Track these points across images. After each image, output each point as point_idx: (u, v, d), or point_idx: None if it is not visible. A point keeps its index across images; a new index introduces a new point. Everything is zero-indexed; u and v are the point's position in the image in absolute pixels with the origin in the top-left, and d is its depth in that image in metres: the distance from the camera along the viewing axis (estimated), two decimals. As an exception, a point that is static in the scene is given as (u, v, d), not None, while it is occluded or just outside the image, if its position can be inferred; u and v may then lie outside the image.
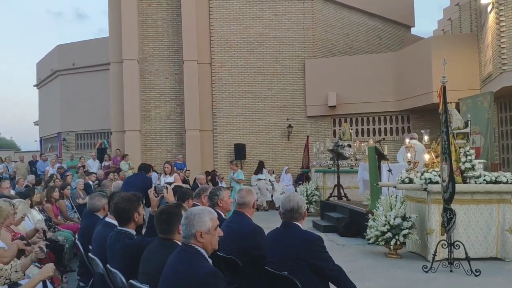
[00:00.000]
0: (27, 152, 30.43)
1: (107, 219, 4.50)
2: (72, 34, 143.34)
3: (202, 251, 2.86)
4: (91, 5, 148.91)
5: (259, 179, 15.97)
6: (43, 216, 7.41)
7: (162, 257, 3.08)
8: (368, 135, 17.69)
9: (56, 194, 8.53)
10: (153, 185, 5.52)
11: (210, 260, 2.89)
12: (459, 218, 6.97)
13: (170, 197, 4.57)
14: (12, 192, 9.07)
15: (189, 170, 15.63)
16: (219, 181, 16.03)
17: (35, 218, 6.96)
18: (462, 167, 7.33)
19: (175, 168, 15.56)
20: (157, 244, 3.37)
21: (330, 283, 3.63)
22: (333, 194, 12.12)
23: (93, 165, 16.43)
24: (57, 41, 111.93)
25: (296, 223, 3.68)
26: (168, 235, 3.31)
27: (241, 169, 17.10)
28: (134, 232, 3.91)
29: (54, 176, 13.28)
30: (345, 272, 3.60)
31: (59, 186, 9.56)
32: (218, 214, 4.54)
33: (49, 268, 3.53)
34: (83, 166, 16.06)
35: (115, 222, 4.10)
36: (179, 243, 3.19)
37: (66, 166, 16.79)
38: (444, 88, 6.90)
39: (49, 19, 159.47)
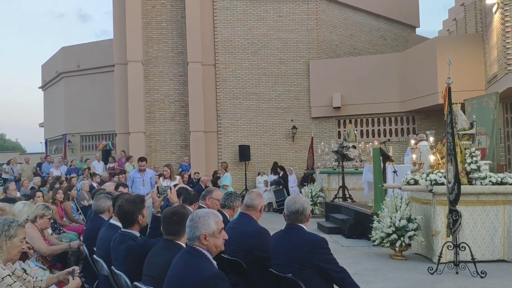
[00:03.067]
0: (33, 154, 30.59)
1: (111, 221, 4.51)
2: (76, 35, 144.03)
3: (207, 253, 2.87)
4: (94, 6, 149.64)
5: (275, 180, 15.91)
6: (48, 217, 7.41)
7: (166, 259, 3.08)
8: (373, 136, 17.65)
9: (59, 196, 8.54)
10: (155, 185, 5.53)
11: (215, 262, 2.89)
12: (465, 219, 6.93)
13: (174, 198, 4.57)
14: (18, 194, 9.11)
15: (198, 173, 15.65)
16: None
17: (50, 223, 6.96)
18: (468, 168, 7.29)
19: (180, 169, 15.64)
20: (161, 246, 3.36)
21: (334, 285, 3.62)
22: (338, 196, 12.08)
23: (98, 167, 16.47)
24: (61, 43, 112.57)
25: (301, 225, 3.67)
26: (177, 236, 3.31)
27: (245, 170, 17.13)
28: (138, 234, 3.92)
29: (61, 178, 13.34)
30: (349, 274, 3.59)
31: (65, 187, 9.57)
32: (225, 217, 4.55)
33: (78, 284, 3.52)
34: (88, 168, 16.11)
35: (120, 224, 4.10)
36: (183, 245, 3.19)
37: (77, 167, 16.88)
38: (449, 88, 6.87)
39: (52, 20, 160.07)
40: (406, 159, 10.78)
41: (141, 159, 10.53)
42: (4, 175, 16.46)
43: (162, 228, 3.37)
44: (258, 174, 17.13)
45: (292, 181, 16.62)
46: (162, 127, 17.53)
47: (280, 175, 16.41)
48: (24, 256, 4.65)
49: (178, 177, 10.73)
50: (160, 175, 12.53)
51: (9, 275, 3.09)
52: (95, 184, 11.78)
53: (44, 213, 5.31)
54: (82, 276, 5.56)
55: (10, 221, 3.32)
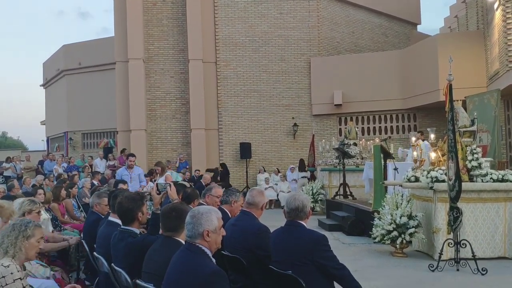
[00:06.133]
0: (35, 152, 30.62)
1: (110, 218, 4.51)
2: (76, 33, 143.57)
3: (206, 250, 2.88)
4: (93, 4, 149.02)
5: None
6: (49, 215, 7.43)
7: (166, 256, 3.08)
8: (374, 134, 17.62)
9: (63, 193, 8.54)
10: (155, 182, 5.54)
11: (214, 260, 2.90)
12: (466, 216, 6.93)
13: (174, 195, 4.58)
14: (20, 192, 9.11)
15: (198, 170, 15.71)
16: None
17: (41, 217, 6.96)
18: (469, 166, 7.28)
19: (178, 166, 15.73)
20: (160, 243, 3.37)
21: (335, 282, 3.62)
22: (338, 193, 12.09)
23: (100, 165, 16.50)
24: (61, 41, 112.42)
25: (301, 222, 3.68)
26: (176, 232, 3.31)
27: (247, 168, 17.12)
28: (138, 231, 3.92)
29: (62, 175, 13.34)
30: (349, 271, 3.59)
31: (66, 185, 9.59)
32: (225, 213, 4.56)
33: None
34: (90, 166, 16.11)
35: (118, 221, 4.11)
36: (182, 242, 3.19)
37: (77, 165, 16.88)
38: (450, 86, 6.85)
39: (51, 18, 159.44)
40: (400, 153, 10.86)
41: (131, 155, 10.67)
42: (5, 173, 16.46)
43: (161, 224, 3.37)
44: (259, 171, 17.13)
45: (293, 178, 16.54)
46: (163, 124, 17.54)
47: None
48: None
49: (167, 174, 10.84)
50: (150, 173, 12.66)
51: (20, 278, 3.18)
52: (95, 182, 11.79)
53: (31, 208, 5.29)
54: (83, 272, 5.60)
55: (27, 222, 3.39)
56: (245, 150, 17.12)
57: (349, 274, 3.56)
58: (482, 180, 7.17)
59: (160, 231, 3.49)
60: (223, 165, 16.70)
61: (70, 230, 7.52)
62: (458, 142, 6.83)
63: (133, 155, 10.64)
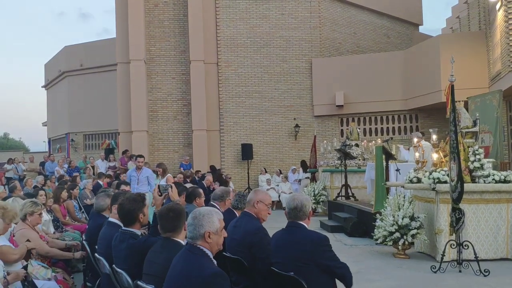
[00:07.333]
0: (37, 153, 30.67)
1: (110, 219, 4.50)
2: (77, 34, 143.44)
3: (208, 252, 2.87)
4: (94, 5, 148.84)
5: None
6: (51, 216, 7.44)
7: (166, 258, 3.08)
8: (376, 135, 17.60)
9: (64, 194, 8.55)
10: (157, 184, 5.54)
11: (215, 262, 2.89)
12: (468, 218, 6.91)
13: (175, 196, 4.57)
14: (21, 193, 9.12)
15: (199, 171, 15.69)
16: (228, 181, 16.03)
17: (42, 218, 6.96)
18: (471, 166, 7.26)
19: (181, 168, 15.69)
20: (160, 245, 3.36)
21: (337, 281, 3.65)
22: (340, 194, 12.07)
23: (102, 166, 16.49)
24: (62, 41, 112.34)
25: (302, 222, 3.68)
26: (174, 233, 3.30)
27: (248, 169, 17.11)
28: (139, 232, 3.92)
29: (64, 177, 13.35)
30: (349, 268, 3.67)
31: (68, 186, 9.59)
32: (234, 214, 4.56)
33: None
34: (92, 167, 16.10)
35: (119, 222, 4.10)
36: (182, 242, 3.18)
37: (79, 166, 16.89)
38: (452, 86, 6.84)
39: (52, 19, 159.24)
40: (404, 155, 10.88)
41: (140, 156, 10.64)
42: (7, 174, 16.48)
43: (159, 226, 3.36)
44: (261, 172, 17.12)
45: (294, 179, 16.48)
46: (164, 125, 17.54)
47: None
48: (27, 255, 4.68)
49: (168, 175, 10.83)
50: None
51: None
52: (101, 182, 11.76)
53: (33, 210, 5.28)
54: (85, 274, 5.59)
55: None
56: (246, 151, 17.11)
57: (349, 272, 3.65)
58: (484, 181, 7.15)
59: None
60: (212, 168, 16.62)
61: (71, 231, 7.53)
62: (460, 143, 6.81)
63: (141, 156, 10.61)
